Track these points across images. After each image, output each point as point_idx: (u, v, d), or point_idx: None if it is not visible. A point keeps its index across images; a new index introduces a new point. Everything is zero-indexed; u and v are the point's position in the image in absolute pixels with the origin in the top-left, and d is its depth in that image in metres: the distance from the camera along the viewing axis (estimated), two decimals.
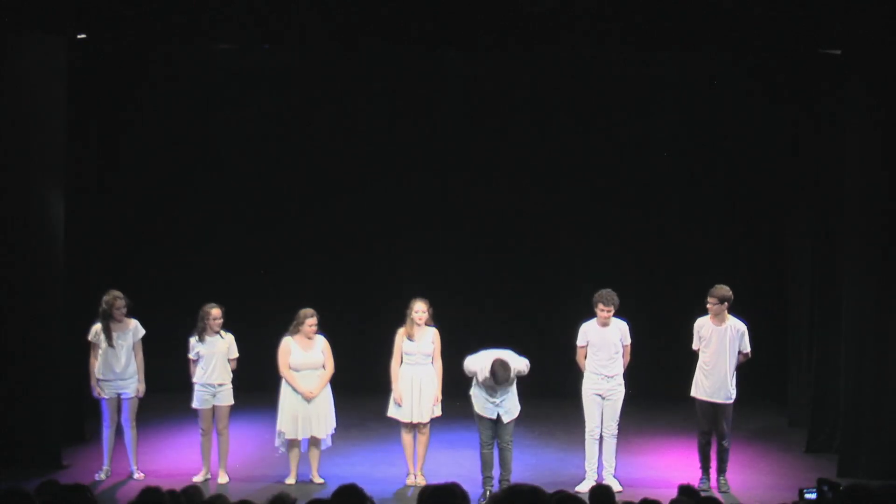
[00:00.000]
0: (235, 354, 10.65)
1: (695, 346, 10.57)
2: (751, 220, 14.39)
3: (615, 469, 10.52)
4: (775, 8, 11.04)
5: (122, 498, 9.90)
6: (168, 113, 14.08)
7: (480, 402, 10.32)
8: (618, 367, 10.52)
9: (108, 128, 13.10)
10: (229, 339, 10.64)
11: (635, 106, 14.26)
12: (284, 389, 10.57)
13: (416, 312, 10.49)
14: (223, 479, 10.54)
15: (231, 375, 10.63)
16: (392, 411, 10.62)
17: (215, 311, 10.54)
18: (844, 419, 11.10)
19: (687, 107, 14.22)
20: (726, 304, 10.37)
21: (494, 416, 10.20)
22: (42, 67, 11.00)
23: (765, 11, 11.04)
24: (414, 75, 14.09)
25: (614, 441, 10.51)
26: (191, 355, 10.56)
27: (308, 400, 10.46)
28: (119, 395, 10.55)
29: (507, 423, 10.27)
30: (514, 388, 10.33)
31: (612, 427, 10.50)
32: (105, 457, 10.60)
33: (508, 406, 10.26)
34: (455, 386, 10.83)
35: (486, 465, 10.36)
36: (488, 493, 10.22)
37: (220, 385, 10.54)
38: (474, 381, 10.38)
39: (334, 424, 10.71)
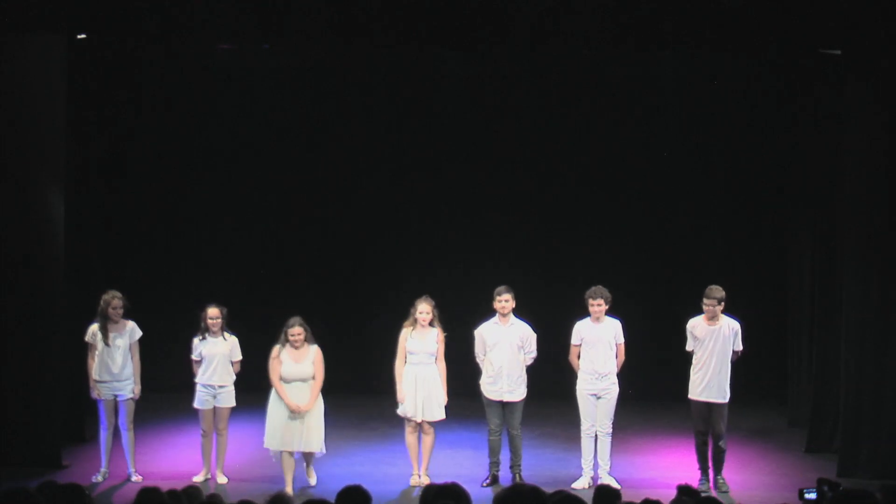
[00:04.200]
0: (238, 357, 10.58)
1: (689, 348, 10.57)
2: (751, 219, 14.38)
3: (610, 467, 10.53)
4: (775, 8, 11.05)
5: (120, 500, 9.89)
6: (168, 113, 14.08)
7: (487, 386, 10.55)
8: (611, 365, 10.54)
9: (108, 127, 13.11)
10: (232, 341, 10.58)
11: (635, 106, 14.26)
12: (273, 400, 10.34)
13: (421, 313, 10.48)
14: (221, 479, 10.51)
15: (233, 377, 10.59)
16: (400, 409, 10.59)
17: (212, 311, 10.48)
18: (844, 419, 11.09)
19: (687, 107, 14.21)
20: (722, 304, 10.39)
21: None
22: (42, 67, 11.00)
23: (765, 11, 11.05)
24: (415, 74, 14.09)
25: (608, 440, 10.52)
26: (193, 355, 10.54)
27: (294, 414, 10.22)
28: (115, 396, 10.52)
29: (515, 406, 10.47)
30: (523, 373, 10.55)
31: (606, 426, 10.51)
32: (103, 459, 10.57)
33: (512, 387, 10.48)
34: (455, 385, 10.83)
35: (492, 452, 10.63)
36: (494, 476, 10.59)
37: (221, 387, 10.51)
38: (483, 371, 10.58)
39: (323, 443, 10.35)
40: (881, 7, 10.80)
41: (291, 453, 10.33)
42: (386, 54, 13.38)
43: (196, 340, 10.51)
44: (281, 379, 10.29)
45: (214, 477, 10.52)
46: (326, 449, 10.55)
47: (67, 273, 11.23)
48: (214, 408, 10.51)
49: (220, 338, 10.52)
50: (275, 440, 10.26)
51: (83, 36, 11.37)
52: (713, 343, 10.39)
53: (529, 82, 14.20)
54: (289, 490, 10.21)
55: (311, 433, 10.29)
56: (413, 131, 14.38)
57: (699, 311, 10.55)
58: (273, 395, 10.35)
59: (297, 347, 10.31)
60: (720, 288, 10.43)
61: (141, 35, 11.71)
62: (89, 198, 12.35)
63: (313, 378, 10.33)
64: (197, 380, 10.52)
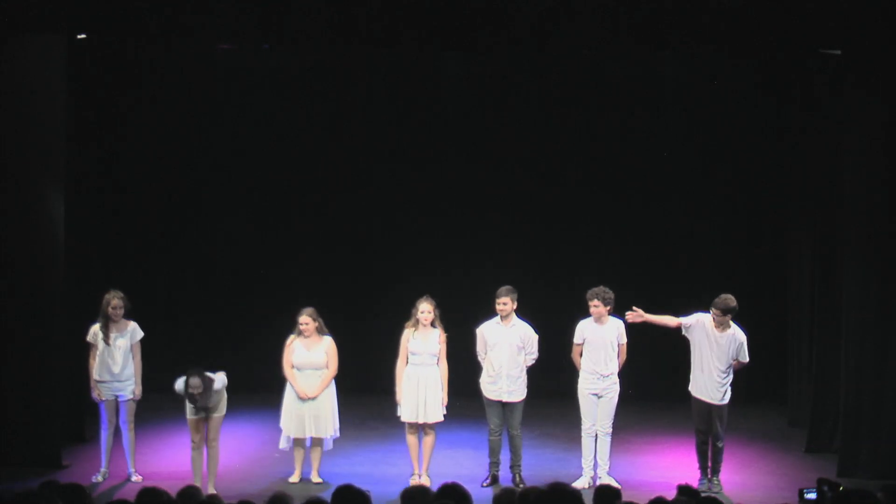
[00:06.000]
0: (224, 384, 10.09)
1: (684, 323, 10.43)
2: (751, 219, 14.39)
3: (609, 467, 10.53)
4: (775, 8, 11.05)
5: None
6: (168, 113, 14.06)
7: (487, 386, 10.57)
8: (613, 366, 10.52)
9: (108, 127, 13.10)
10: (220, 378, 10.02)
11: (635, 106, 14.25)
12: (287, 388, 10.59)
13: (422, 313, 10.49)
14: (211, 491, 10.02)
15: (224, 387, 10.19)
16: (399, 413, 10.62)
17: (193, 382, 9.77)
18: (844, 419, 11.10)
19: (687, 107, 14.21)
20: (729, 315, 10.33)
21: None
22: (42, 67, 10.99)
23: (765, 11, 11.05)
24: (415, 74, 14.09)
25: (608, 440, 10.51)
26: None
27: (303, 400, 10.46)
28: (116, 397, 10.51)
29: (515, 406, 10.49)
30: (523, 374, 10.52)
31: (606, 426, 10.50)
32: (103, 458, 10.55)
33: (512, 388, 10.50)
34: (456, 385, 10.83)
35: (492, 452, 10.66)
36: (494, 476, 10.63)
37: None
38: (484, 371, 10.61)
39: (337, 427, 10.66)
40: (881, 7, 10.80)
41: (303, 443, 10.55)
42: (386, 54, 13.39)
43: (179, 386, 9.90)
44: (294, 366, 10.51)
45: (206, 490, 9.99)
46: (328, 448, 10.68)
47: (67, 273, 11.23)
48: (206, 418, 10.16)
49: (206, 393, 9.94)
50: (289, 426, 10.51)
51: (83, 36, 11.36)
52: (718, 349, 10.32)
53: (529, 82, 14.20)
54: (295, 478, 10.53)
55: (321, 420, 10.48)
56: (413, 131, 14.38)
57: (698, 311, 10.53)
58: (287, 384, 10.57)
59: (306, 336, 10.51)
60: (729, 298, 10.26)
61: (141, 35, 11.71)
62: (89, 198, 12.34)
63: (326, 367, 10.53)
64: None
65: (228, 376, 10.27)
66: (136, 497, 6.27)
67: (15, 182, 11.02)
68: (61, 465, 10.90)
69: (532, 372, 10.75)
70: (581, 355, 10.59)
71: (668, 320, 10.58)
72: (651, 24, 11.27)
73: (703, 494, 7.53)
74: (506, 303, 10.53)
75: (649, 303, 13.80)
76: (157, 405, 12.20)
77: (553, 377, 12.41)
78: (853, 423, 11.00)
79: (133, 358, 10.53)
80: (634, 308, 10.53)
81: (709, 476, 10.49)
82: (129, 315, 10.58)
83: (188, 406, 10.15)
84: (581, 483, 10.36)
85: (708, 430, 10.46)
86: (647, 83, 14.17)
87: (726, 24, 11.16)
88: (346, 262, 14.50)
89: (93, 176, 12.50)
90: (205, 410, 10.04)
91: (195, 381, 9.89)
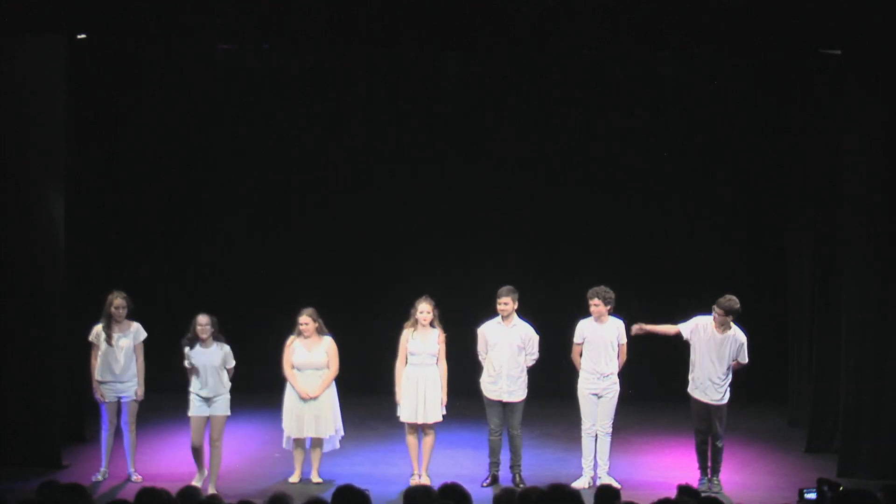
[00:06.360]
0: (232, 364, 10.25)
1: (684, 330, 10.46)
2: (751, 219, 14.39)
3: (609, 467, 10.52)
4: (775, 8, 11.06)
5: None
6: (168, 113, 14.07)
7: (487, 386, 10.57)
8: (613, 366, 10.52)
9: (108, 127, 13.10)
10: (225, 350, 10.22)
11: (635, 106, 14.25)
12: (288, 388, 10.59)
13: (421, 313, 10.49)
14: (211, 491, 10.01)
15: (228, 385, 10.25)
16: (399, 413, 10.61)
17: (201, 318, 10.09)
18: (844, 419, 11.10)
19: (687, 107, 14.21)
20: (731, 316, 10.33)
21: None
22: (42, 67, 11.00)
23: (765, 11, 11.06)
24: (415, 74, 14.09)
25: (608, 439, 10.51)
26: (186, 363, 10.20)
27: (304, 400, 10.46)
28: (119, 398, 10.50)
29: (515, 406, 10.50)
30: (524, 374, 10.52)
31: (606, 425, 10.50)
32: (103, 458, 10.54)
33: (512, 388, 10.50)
34: (455, 385, 10.82)
35: (492, 452, 10.65)
36: (494, 476, 10.62)
37: (216, 396, 10.17)
38: (484, 370, 10.61)
39: (339, 426, 10.65)
40: (881, 7, 10.81)
41: (303, 444, 10.55)
42: (386, 54, 13.40)
43: (186, 349, 10.19)
44: (294, 367, 10.51)
45: (206, 489, 10.02)
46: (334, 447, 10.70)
47: (67, 273, 11.22)
48: (209, 417, 10.18)
49: (212, 347, 10.16)
50: (290, 426, 10.51)
51: (83, 36, 11.36)
52: (717, 350, 10.31)
53: (529, 82, 14.20)
54: (295, 478, 10.52)
55: (322, 420, 10.48)
56: (413, 131, 14.38)
57: (699, 312, 10.53)
58: (287, 384, 10.57)
59: (306, 336, 10.52)
60: (732, 299, 10.25)
61: (141, 35, 11.72)
62: (89, 198, 12.34)
63: (327, 367, 10.53)
64: (190, 388, 10.23)
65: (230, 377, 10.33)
66: (135, 497, 6.27)
67: (15, 182, 11.02)
68: (61, 465, 10.89)
69: (532, 372, 10.75)
70: (581, 355, 10.59)
71: (668, 328, 10.60)
72: (651, 24, 11.28)
73: (703, 494, 7.54)
74: (507, 303, 10.53)
75: (649, 303, 13.91)
76: (157, 405, 12.21)
77: (553, 377, 12.41)
78: (853, 423, 11.01)
79: (136, 359, 10.52)
80: (638, 324, 10.54)
81: (709, 476, 10.49)
82: (131, 315, 10.58)
83: (191, 403, 10.20)
84: (581, 483, 10.36)
85: (707, 430, 10.46)
86: (647, 83, 14.18)
87: (726, 24, 11.17)
88: (346, 262, 14.50)
89: (93, 176, 12.50)
90: (206, 399, 10.10)
91: (203, 317, 10.10)
